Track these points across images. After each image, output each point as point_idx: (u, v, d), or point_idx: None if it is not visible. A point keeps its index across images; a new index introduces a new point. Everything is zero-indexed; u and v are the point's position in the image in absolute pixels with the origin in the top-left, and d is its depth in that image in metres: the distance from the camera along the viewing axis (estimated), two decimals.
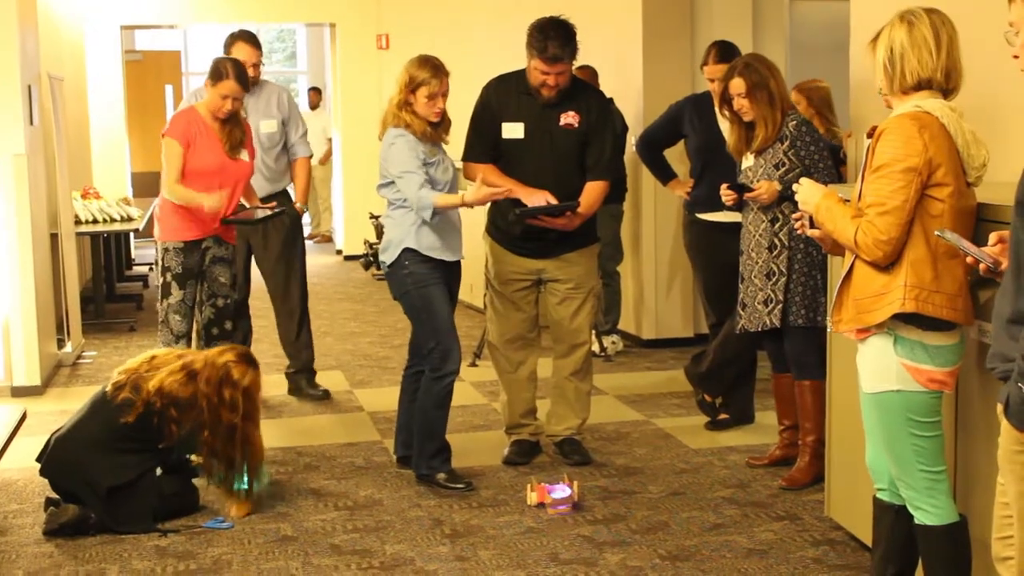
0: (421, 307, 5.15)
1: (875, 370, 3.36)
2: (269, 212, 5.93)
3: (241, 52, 6.49)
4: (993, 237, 2.96)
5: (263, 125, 6.61)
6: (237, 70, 5.64)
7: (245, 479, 4.83)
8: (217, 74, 5.64)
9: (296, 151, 6.78)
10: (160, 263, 5.75)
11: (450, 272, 5.24)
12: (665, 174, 6.60)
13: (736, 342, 5.75)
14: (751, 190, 5.06)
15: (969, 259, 2.98)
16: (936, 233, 3.12)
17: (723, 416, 6.04)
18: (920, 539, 3.42)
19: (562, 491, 4.88)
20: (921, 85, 3.31)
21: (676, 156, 6.76)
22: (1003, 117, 4.18)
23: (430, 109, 5.08)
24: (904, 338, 3.28)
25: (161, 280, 5.74)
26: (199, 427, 4.76)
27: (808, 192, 3.49)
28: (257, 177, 6.54)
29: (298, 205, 6.82)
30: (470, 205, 5.07)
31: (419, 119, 5.09)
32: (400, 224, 5.14)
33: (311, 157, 6.89)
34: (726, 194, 5.16)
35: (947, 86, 3.32)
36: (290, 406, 6.78)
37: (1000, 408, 2.67)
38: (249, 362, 4.90)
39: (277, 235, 6.72)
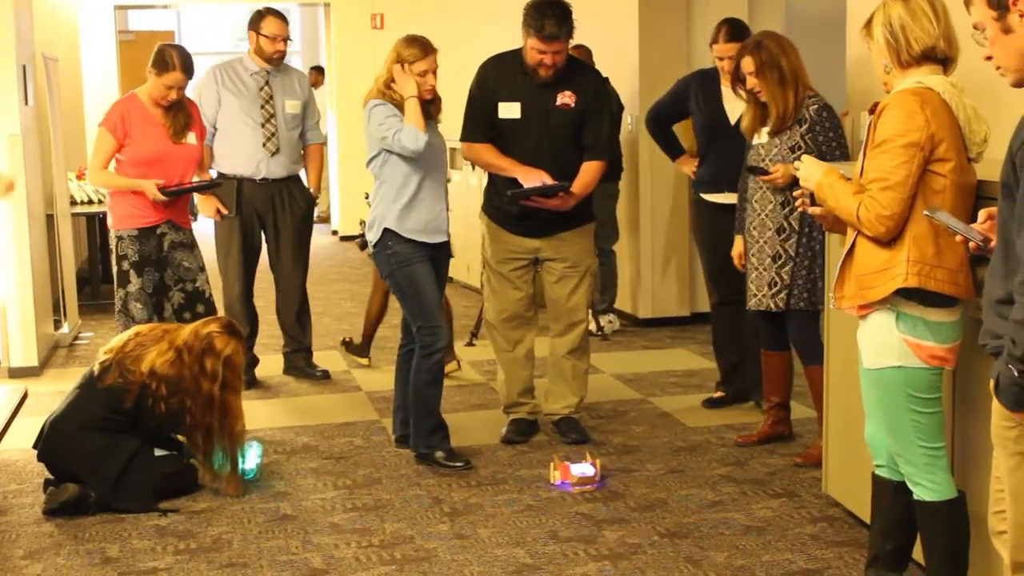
0: (406, 285, 5.16)
1: (876, 346, 3.37)
2: (205, 182, 5.97)
3: (272, 27, 6.54)
4: (982, 214, 2.98)
5: (288, 105, 6.61)
6: (183, 60, 5.64)
7: (226, 455, 4.83)
8: (163, 64, 5.62)
9: (310, 137, 6.78)
10: (115, 251, 5.75)
11: (437, 251, 5.24)
12: (674, 150, 6.42)
13: (722, 331, 5.79)
14: (767, 173, 4.96)
15: (958, 237, 2.99)
16: (925, 213, 3.13)
17: (719, 394, 6.05)
18: (918, 514, 3.44)
19: (585, 469, 4.87)
20: (926, 54, 3.34)
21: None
22: (998, 93, 4.18)
23: (421, 86, 5.07)
24: (906, 314, 3.30)
25: (117, 268, 5.73)
26: (184, 400, 4.77)
27: (809, 169, 3.50)
28: (280, 157, 6.54)
29: (311, 190, 6.83)
30: (414, 97, 5.00)
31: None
32: (383, 202, 5.16)
33: (324, 144, 6.86)
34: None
35: (949, 53, 3.36)
36: (288, 386, 6.78)
37: (992, 385, 2.70)
38: (232, 332, 4.91)
39: (292, 217, 6.68)
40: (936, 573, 3.45)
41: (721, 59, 5.80)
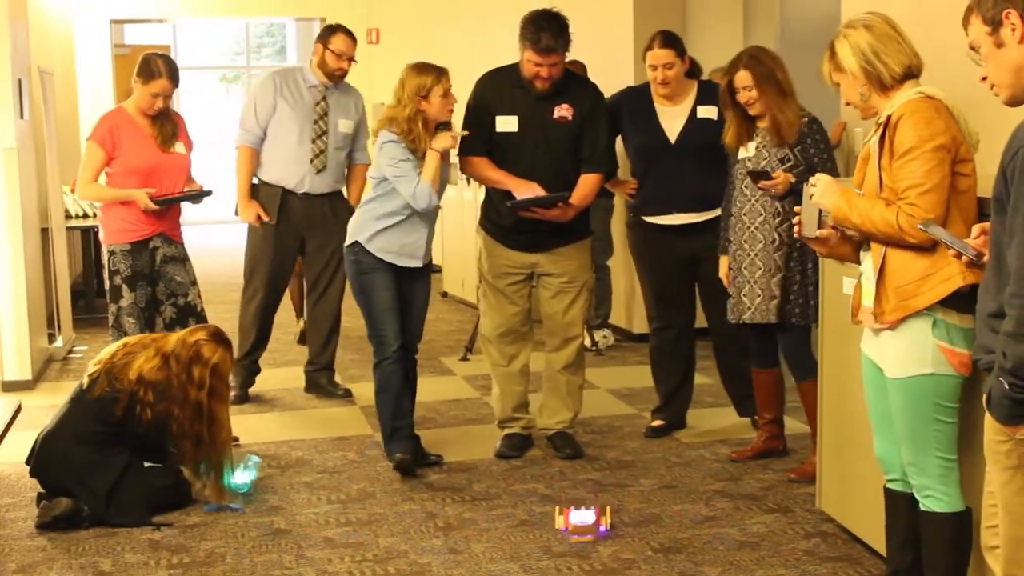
0: (360, 294, 5.28)
1: (909, 354, 3.34)
2: (195, 191, 5.90)
3: (341, 43, 6.46)
4: (976, 229, 2.99)
5: (342, 124, 6.53)
6: (169, 67, 5.65)
7: (211, 463, 4.83)
8: (149, 72, 5.63)
9: (357, 157, 6.70)
10: (107, 266, 5.74)
11: (407, 273, 5.28)
12: None
13: (664, 356, 5.81)
14: (769, 177, 4.89)
15: (951, 251, 3.00)
16: (919, 227, 3.13)
17: (658, 423, 5.89)
18: (924, 525, 3.44)
19: (585, 517, 4.57)
20: (905, 74, 3.41)
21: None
22: (994, 105, 4.19)
23: (445, 107, 5.15)
24: (941, 320, 3.29)
25: (109, 283, 5.72)
26: (170, 408, 4.77)
27: (827, 190, 3.47)
28: (325, 175, 6.50)
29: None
30: (438, 152, 5.13)
31: (428, 133, 5.13)
32: (365, 216, 5.25)
33: (368, 165, 6.85)
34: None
35: (920, 68, 3.44)
36: (283, 400, 6.78)
37: (984, 399, 2.71)
38: (220, 340, 4.91)
39: (334, 232, 6.48)
40: None
41: (655, 68, 5.58)
